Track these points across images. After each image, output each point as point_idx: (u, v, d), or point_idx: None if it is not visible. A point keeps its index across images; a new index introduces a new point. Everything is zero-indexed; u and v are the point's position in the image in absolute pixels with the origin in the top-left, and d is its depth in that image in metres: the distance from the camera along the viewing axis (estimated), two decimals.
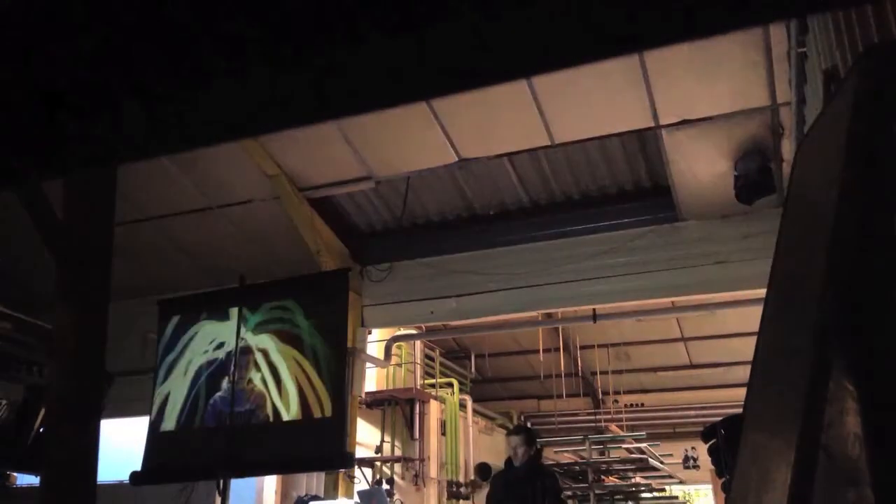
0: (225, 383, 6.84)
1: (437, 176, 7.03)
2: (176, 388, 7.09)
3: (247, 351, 6.82)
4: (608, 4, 0.57)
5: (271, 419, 6.58)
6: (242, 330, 6.74)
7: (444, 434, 10.63)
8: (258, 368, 6.80)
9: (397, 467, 9.83)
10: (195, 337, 7.20)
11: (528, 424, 12.25)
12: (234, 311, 6.86)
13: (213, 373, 6.99)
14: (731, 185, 5.88)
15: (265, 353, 6.82)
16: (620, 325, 10.83)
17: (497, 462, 6.68)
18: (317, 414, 6.41)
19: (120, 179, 4.27)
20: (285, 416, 6.54)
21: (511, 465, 5.46)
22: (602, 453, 11.09)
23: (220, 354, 7.00)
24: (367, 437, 9.75)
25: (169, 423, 7.01)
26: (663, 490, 11.81)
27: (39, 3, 0.62)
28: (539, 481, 5.27)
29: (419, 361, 10.75)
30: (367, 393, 8.75)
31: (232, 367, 6.72)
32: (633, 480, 11.17)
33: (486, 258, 7.31)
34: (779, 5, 0.60)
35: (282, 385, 6.65)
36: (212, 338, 7.10)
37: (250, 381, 6.77)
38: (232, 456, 6.23)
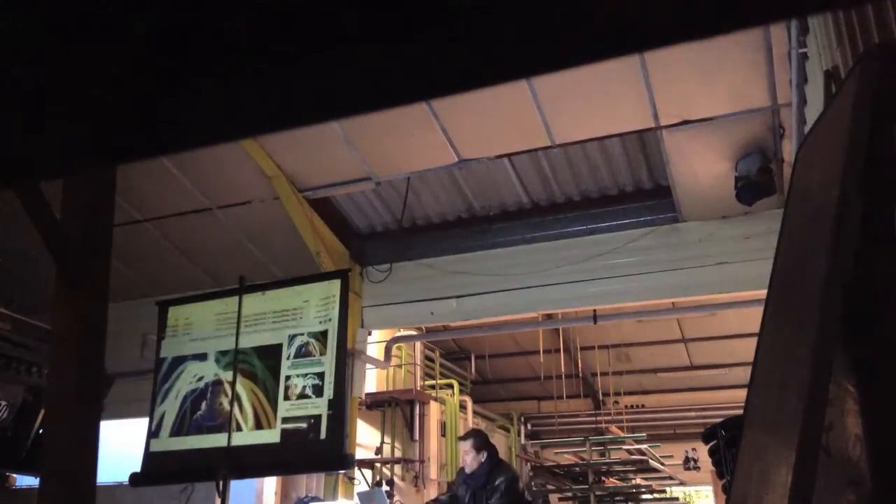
0: (225, 383, 6.84)
1: (437, 176, 7.03)
2: (176, 389, 7.09)
3: (247, 349, 6.83)
4: (608, 4, 0.57)
5: (271, 419, 6.58)
6: (242, 329, 6.73)
7: (444, 435, 10.62)
8: (257, 369, 6.81)
9: (397, 468, 9.82)
10: (195, 337, 7.20)
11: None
12: (233, 311, 6.86)
13: (213, 373, 7.00)
14: (732, 185, 5.88)
15: (265, 353, 6.82)
16: (621, 327, 10.83)
17: None
18: (316, 415, 6.41)
19: (120, 179, 4.28)
20: (285, 417, 6.54)
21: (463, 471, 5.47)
22: (602, 454, 11.09)
23: (220, 354, 7.00)
24: (366, 438, 9.75)
25: (169, 425, 7.01)
26: (664, 491, 11.81)
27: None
28: (493, 483, 5.24)
29: (419, 362, 10.74)
30: (366, 394, 8.74)
31: (232, 368, 6.72)
32: (633, 482, 11.16)
33: (487, 259, 7.31)
34: (779, 5, 0.60)
35: (282, 386, 6.66)
36: (212, 338, 7.10)
37: (250, 380, 6.78)
38: (232, 457, 6.24)
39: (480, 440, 5.49)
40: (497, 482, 5.22)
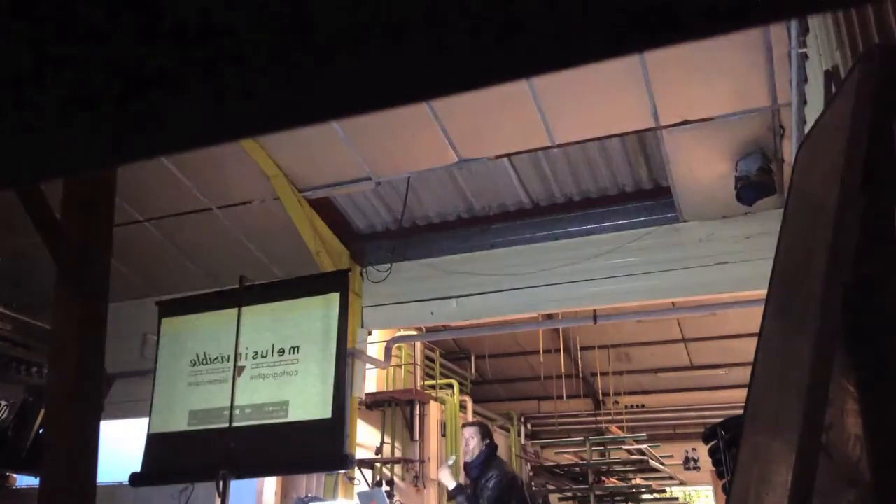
0: (224, 384, 6.84)
1: (437, 176, 7.03)
2: (175, 390, 7.09)
3: (246, 351, 6.83)
4: (608, 4, 0.57)
5: (271, 421, 6.58)
6: (242, 331, 6.74)
7: (444, 435, 10.62)
8: (258, 370, 6.81)
9: (397, 468, 9.82)
10: (195, 338, 7.20)
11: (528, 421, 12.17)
12: (233, 312, 6.86)
13: (212, 373, 7.00)
14: (732, 185, 5.88)
15: (264, 355, 6.82)
16: (621, 327, 10.83)
17: None
18: (317, 416, 6.41)
19: (120, 179, 4.27)
20: (285, 419, 6.54)
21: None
22: (602, 455, 11.09)
23: (220, 355, 7.00)
24: (366, 438, 9.75)
25: (168, 425, 7.01)
26: (664, 491, 11.82)
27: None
28: (485, 477, 5.33)
29: (419, 362, 10.75)
30: (366, 394, 8.74)
31: (231, 368, 6.72)
32: (633, 482, 11.17)
33: (487, 259, 7.30)
34: (779, 5, 0.60)
35: (281, 387, 6.65)
36: (211, 339, 7.10)
37: (250, 381, 6.77)
38: (232, 457, 6.24)
39: (483, 430, 5.66)
40: (487, 476, 5.31)
